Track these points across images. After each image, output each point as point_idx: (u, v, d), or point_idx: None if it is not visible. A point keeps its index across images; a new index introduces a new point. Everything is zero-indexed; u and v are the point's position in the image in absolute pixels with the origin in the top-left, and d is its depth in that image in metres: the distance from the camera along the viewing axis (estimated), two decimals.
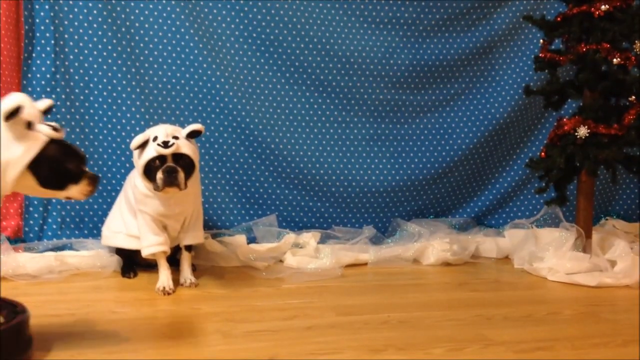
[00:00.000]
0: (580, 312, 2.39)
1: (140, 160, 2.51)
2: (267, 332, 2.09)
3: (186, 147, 2.51)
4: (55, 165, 1.76)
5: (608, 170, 3.08)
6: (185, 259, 2.75)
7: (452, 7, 3.63)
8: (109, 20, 3.17)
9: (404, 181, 3.67)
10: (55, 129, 1.78)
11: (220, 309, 2.35)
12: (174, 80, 3.29)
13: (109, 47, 3.18)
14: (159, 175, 2.47)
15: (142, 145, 2.51)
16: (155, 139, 2.49)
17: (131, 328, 2.14)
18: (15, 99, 1.67)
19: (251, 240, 3.27)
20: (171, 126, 2.58)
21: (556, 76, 3.10)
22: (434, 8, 3.62)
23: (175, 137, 2.50)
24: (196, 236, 2.77)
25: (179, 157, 2.50)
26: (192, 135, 2.57)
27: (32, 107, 1.71)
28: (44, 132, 1.73)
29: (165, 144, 2.46)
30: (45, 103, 1.87)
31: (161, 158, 2.47)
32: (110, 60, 3.19)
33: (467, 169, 3.78)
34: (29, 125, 1.70)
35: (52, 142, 1.74)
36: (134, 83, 3.22)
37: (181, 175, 2.49)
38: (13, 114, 1.65)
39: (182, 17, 3.26)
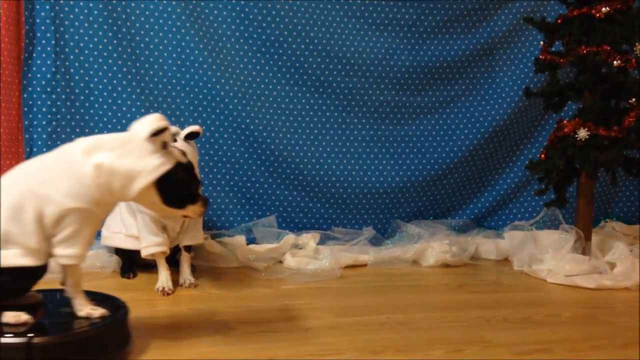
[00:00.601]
0: (579, 315, 2.39)
1: None
2: (266, 333, 2.08)
3: (188, 154, 2.50)
4: (180, 187, 1.87)
5: (608, 173, 3.09)
6: (185, 260, 2.75)
7: (453, 8, 3.64)
8: (110, 20, 3.17)
9: (404, 182, 3.67)
10: (183, 153, 1.92)
11: (220, 310, 2.34)
12: (174, 81, 3.29)
13: (109, 48, 3.18)
14: None
15: None
16: None
17: (130, 328, 2.14)
18: (161, 119, 1.80)
19: (251, 241, 3.27)
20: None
21: (556, 78, 3.11)
22: (434, 10, 3.62)
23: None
24: (195, 237, 2.77)
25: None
26: (190, 136, 2.57)
27: (170, 128, 1.84)
28: (174, 154, 1.85)
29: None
30: (191, 129, 2.31)
31: None
32: (110, 61, 3.19)
33: (467, 170, 3.78)
34: (164, 145, 1.82)
35: (179, 165, 1.85)
36: (134, 83, 3.22)
37: None
38: (158, 133, 1.78)
39: (183, 17, 3.26)
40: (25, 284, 1.81)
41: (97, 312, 1.84)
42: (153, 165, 1.78)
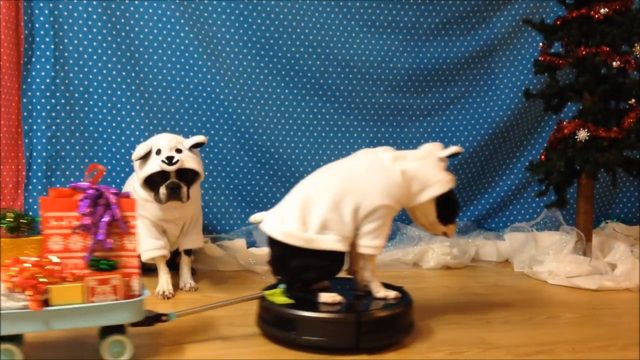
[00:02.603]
0: (580, 316, 2.39)
1: (142, 172, 2.51)
2: (267, 336, 2.08)
3: (190, 161, 2.52)
4: (453, 205, 2.17)
5: (608, 174, 3.09)
6: (185, 263, 2.75)
7: (452, 10, 3.64)
8: (109, 24, 3.17)
9: None
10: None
11: (221, 313, 2.34)
12: (173, 85, 3.29)
13: (109, 52, 3.18)
14: (162, 190, 2.49)
15: (144, 156, 2.51)
16: (158, 152, 2.49)
17: (130, 332, 2.13)
18: (457, 148, 2.14)
19: (251, 244, 3.27)
20: (174, 137, 2.57)
21: (556, 79, 3.11)
22: (433, 12, 3.62)
23: (179, 150, 2.51)
24: (196, 240, 2.77)
25: (182, 172, 2.52)
26: (195, 146, 2.59)
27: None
28: (452, 177, 2.15)
29: (170, 160, 2.47)
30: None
31: (164, 173, 2.48)
32: (110, 65, 3.19)
33: (467, 172, 3.78)
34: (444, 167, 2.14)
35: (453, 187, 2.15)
36: (133, 87, 3.22)
37: (184, 190, 2.52)
38: (453, 156, 2.15)
39: (182, 21, 3.26)
40: (336, 268, 2.05)
41: (392, 294, 2.10)
42: (446, 180, 2.11)
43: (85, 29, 3.15)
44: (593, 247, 3.08)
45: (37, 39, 3.09)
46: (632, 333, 2.17)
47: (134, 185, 2.65)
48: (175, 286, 2.66)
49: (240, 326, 2.18)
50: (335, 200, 2.00)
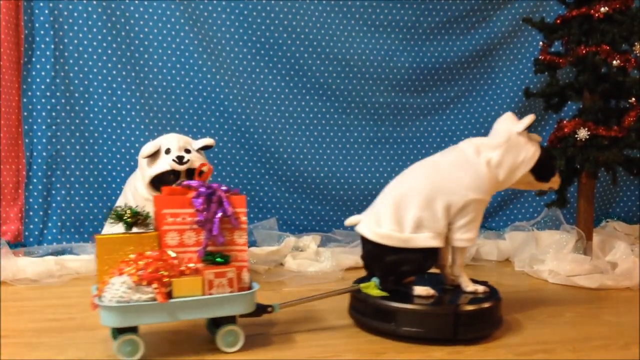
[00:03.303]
0: (581, 315, 2.38)
1: (150, 170, 2.51)
2: (267, 336, 2.08)
3: (198, 162, 2.54)
4: (547, 163, 2.23)
5: (608, 172, 3.08)
6: None
7: (452, 9, 3.64)
8: (109, 24, 3.17)
9: None
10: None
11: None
12: (173, 84, 3.29)
13: (109, 52, 3.18)
14: None
15: (152, 154, 2.51)
16: (167, 151, 2.50)
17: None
18: (530, 117, 2.19)
19: (251, 243, 3.26)
20: (182, 137, 2.59)
21: (556, 78, 3.10)
22: (433, 11, 3.62)
23: (187, 151, 2.52)
24: None
25: (191, 172, 2.53)
26: (203, 148, 2.61)
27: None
28: (535, 138, 2.23)
29: (180, 160, 2.48)
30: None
31: (174, 172, 2.49)
32: (110, 65, 3.19)
33: None
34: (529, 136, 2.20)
35: (541, 147, 2.21)
36: (133, 87, 3.22)
37: None
38: (529, 127, 2.18)
39: (182, 20, 3.26)
40: (430, 263, 2.15)
41: (481, 288, 2.18)
42: (530, 155, 2.17)
43: (85, 28, 3.15)
44: (594, 246, 3.07)
45: (37, 39, 3.09)
46: (633, 332, 2.17)
47: (135, 184, 2.64)
48: None
49: (240, 325, 2.18)
50: (427, 199, 2.09)
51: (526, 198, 3.82)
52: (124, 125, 3.22)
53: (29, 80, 3.10)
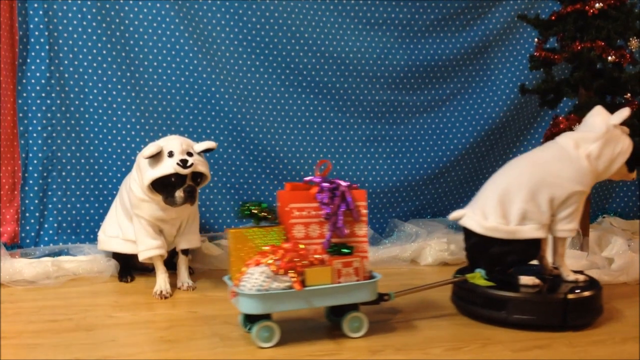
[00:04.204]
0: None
1: (152, 171, 2.49)
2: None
3: (201, 165, 2.55)
4: (638, 155, 2.35)
5: None
6: (182, 263, 2.75)
7: (447, 7, 3.64)
8: (104, 25, 3.16)
9: (401, 182, 3.67)
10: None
11: (218, 312, 2.34)
12: (169, 84, 3.29)
13: (104, 52, 3.18)
14: (180, 194, 2.50)
15: (152, 157, 2.50)
16: (170, 154, 2.49)
17: (129, 332, 2.14)
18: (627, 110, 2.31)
19: None
20: (185, 139, 2.59)
21: (551, 75, 3.11)
22: (428, 8, 3.62)
23: (189, 154, 2.52)
24: (192, 240, 2.77)
25: (196, 176, 2.54)
26: (204, 152, 2.61)
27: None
28: (625, 130, 2.33)
29: (184, 163, 2.47)
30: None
31: (178, 176, 2.48)
32: (105, 65, 3.18)
33: (464, 168, 3.78)
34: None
35: (631, 138, 2.33)
36: (129, 87, 3.21)
37: (197, 193, 2.56)
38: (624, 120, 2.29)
39: (177, 20, 3.26)
40: (533, 253, 2.28)
41: (582, 277, 2.30)
42: (625, 147, 2.29)
43: (79, 29, 3.14)
44: (590, 242, 3.07)
45: (32, 40, 3.08)
46: (630, 327, 2.18)
47: (130, 184, 2.64)
48: (173, 285, 2.66)
49: (238, 325, 2.18)
50: (531, 193, 2.22)
51: None
52: (119, 125, 3.21)
53: (24, 81, 3.09)
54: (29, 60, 3.09)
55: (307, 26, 3.47)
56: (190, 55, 3.29)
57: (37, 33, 3.08)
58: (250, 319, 2.04)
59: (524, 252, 2.25)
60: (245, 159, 3.44)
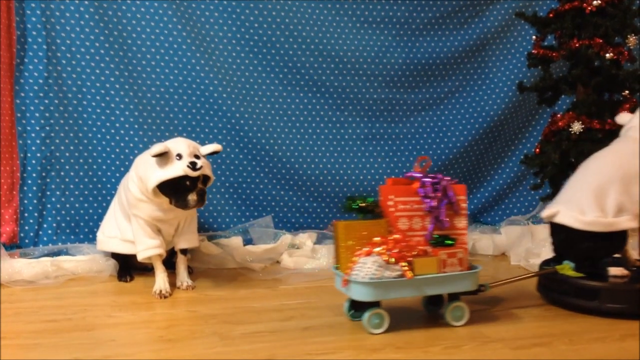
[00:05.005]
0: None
1: (160, 173, 2.48)
2: (264, 333, 2.08)
3: (207, 168, 2.55)
4: None
5: None
6: (181, 262, 2.74)
7: (445, 5, 3.64)
8: (101, 24, 3.16)
9: None
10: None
11: (218, 311, 2.34)
12: (167, 83, 3.28)
13: (102, 51, 3.17)
14: (193, 197, 2.49)
15: (161, 159, 2.50)
16: (179, 156, 2.48)
17: (128, 332, 2.13)
18: None
19: (247, 241, 3.27)
20: (191, 142, 2.58)
21: (549, 72, 3.11)
22: (426, 7, 3.62)
23: (196, 156, 2.51)
24: (191, 239, 2.76)
25: (204, 178, 2.54)
26: (210, 154, 2.62)
27: None
28: None
29: (194, 166, 2.47)
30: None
31: (190, 179, 2.48)
32: (102, 64, 3.18)
33: (462, 166, 3.78)
34: None
35: None
36: (127, 87, 3.21)
37: (206, 196, 2.56)
38: None
39: (174, 19, 3.25)
40: (622, 244, 2.36)
41: None
42: None
43: (77, 28, 3.13)
44: None
45: (30, 40, 3.08)
46: (629, 324, 2.17)
47: (128, 184, 2.64)
48: (172, 285, 2.66)
49: (237, 323, 2.18)
50: (624, 185, 2.28)
51: (521, 192, 3.83)
52: (117, 125, 3.21)
53: (22, 81, 3.08)
54: (26, 60, 3.09)
55: (305, 25, 3.47)
56: (188, 54, 3.28)
57: (34, 33, 3.07)
58: (358, 307, 2.16)
59: (613, 244, 2.33)
60: (244, 158, 3.44)
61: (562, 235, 2.38)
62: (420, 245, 2.15)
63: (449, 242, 2.15)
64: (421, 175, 2.19)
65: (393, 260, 2.03)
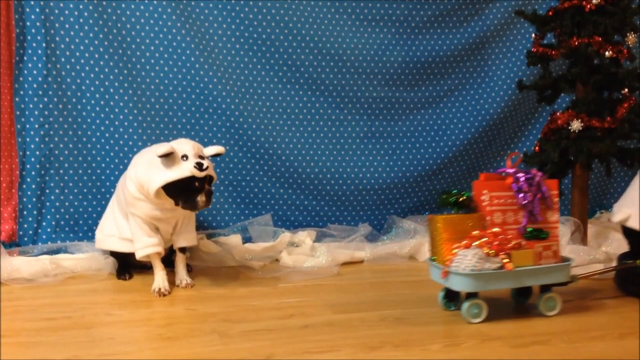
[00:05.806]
0: (576, 305, 2.39)
1: (167, 173, 2.47)
2: (263, 332, 2.09)
3: (211, 169, 2.56)
4: None
5: (602, 164, 3.09)
6: (180, 260, 2.75)
7: (444, 3, 3.63)
8: (100, 22, 3.16)
9: (399, 178, 3.67)
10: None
11: (217, 309, 2.34)
12: (166, 82, 3.28)
13: (101, 50, 3.17)
14: (202, 198, 2.49)
15: (167, 160, 2.50)
16: (185, 157, 2.48)
17: (127, 330, 2.14)
18: None
19: (247, 240, 3.26)
20: (195, 143, 2.58)
21: (549, 70, 3.11)
22: (425, 5, 3.62)
23: (201, 157, 2.52)
24: (189, 238, 2.76)
25: (210, 180, 2.55)
26: (213, 156, 2.63)
27: None
28: None
29: (200, 166, 2.48)
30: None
31: (198, 179, 2.48)
32: (102, 63, 3.17)
33: (462, 164, 3.78)
34: None
35: None
36: (126, 85, 3.21)
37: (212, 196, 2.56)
38: None
39: (174, 17, 3.25)
40: None
41: None
42: None
43: (76, 26, 3.13)
44: (588, 237, 3.08)
45: (29, 38, 3.07)
46: (629, 322, 2.18)
47: (126, 183, 2.63)
48: (171, 283, 2.66)
49: (236, 322, 2.18)
50: None
51: None
52: (117, 123, 3.20)
53: (21, 79, 3.08)
54: (25, 58, 3.08)
55: (304, 23, 3.47)
56: (188, 52, 3.28)
57: (34, 31, 3.07)
58: (452, 297, 2.29)
59: None
60: (243, 156, 3.44)
61: (637, 236, 2.48)
62: (514, 238, 2.22)
63: (544, 235, 2.24)
64: (515, 170, 2.28)
65: (493, 252, 2.13)
